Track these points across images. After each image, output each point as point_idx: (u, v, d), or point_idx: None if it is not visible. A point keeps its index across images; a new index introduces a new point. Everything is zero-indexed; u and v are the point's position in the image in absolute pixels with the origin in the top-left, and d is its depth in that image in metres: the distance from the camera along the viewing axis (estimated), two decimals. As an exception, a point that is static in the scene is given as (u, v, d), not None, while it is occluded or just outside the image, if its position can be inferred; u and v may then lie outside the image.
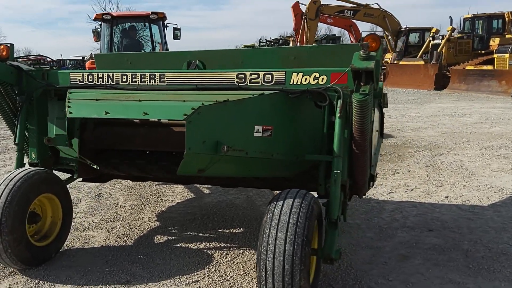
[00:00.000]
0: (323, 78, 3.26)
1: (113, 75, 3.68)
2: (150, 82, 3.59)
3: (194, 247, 3.97)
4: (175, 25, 10.38)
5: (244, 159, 3.15)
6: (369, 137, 3.14)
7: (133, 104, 3.13)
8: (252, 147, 3.14)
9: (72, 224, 4.47)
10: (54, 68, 4.59)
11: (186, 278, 3.42)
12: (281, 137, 3.33)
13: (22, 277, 3.43)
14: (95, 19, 9.75)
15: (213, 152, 2.89)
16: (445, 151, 7.94)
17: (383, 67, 27.47)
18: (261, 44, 44.32)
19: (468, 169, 6.64)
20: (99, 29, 9.91)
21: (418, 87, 21.16)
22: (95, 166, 3.78)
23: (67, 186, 3.95)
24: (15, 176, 3.37)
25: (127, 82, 3.64)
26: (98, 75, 3.71)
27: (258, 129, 3.15)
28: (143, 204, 5.18)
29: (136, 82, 3.62)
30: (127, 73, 3.66)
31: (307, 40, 28.01)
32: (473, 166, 6.79)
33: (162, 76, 3.57)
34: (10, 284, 3.34)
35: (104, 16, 9.49)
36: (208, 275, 3.45)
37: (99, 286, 3.31)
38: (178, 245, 4.03)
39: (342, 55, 4.40)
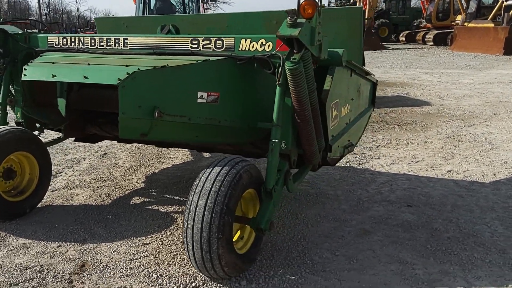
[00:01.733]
0: (269, 45, 3.16)
1: (83, 39, 3.78)
2: (115, 46, 3.66)
3: (163, 210, 4.08)
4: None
5: (190, 124, 3.15)
6: (308, 106, 3.00)
7: (78, 67, 3.19)
8: (196, 113, 3.13)
9: (64, 181, 4.76)
10: (42, 31, 4.78)
11: (139, 240, 3.53)
12: (229, 104, 3.29)
13: (-7, 229, 3.71)
14: None
15: (150, 117, 2.92)
16: (478, 122, 7.44)
17: (450, 29, 25.89)
18: (331, 4, 42.90)
19: (492, 142, 6.19)
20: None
21: (486, 52, 19.74)
22: (59, 132, 3.94)
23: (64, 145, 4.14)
24: (-14, 135, 3.59)
25: (95, 46, 3.72)
26: (71, 39, 3.82)
27: (202, 95, 3.13)
28: (139, 165, 5.36)
29: (103, 46, 3.70)
30: (96, 37, 3.74)
31: (371, 0, 26.84)
32: (498, 139, 6.32)
33: (125, 40, 3.61)
34: (-20, 235, 3.63)
35: None
36: (160, 238, 3.55)
37: (56, 242, 3.51)
38: (150, 207, 4.15)
39: (324, 20, 4.24)
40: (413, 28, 32.58)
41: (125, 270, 3.11)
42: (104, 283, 2.97)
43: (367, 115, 4.57)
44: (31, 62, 3.48)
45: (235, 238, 3.11)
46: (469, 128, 7.02)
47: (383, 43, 28.14)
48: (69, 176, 4.99)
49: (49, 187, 4.58)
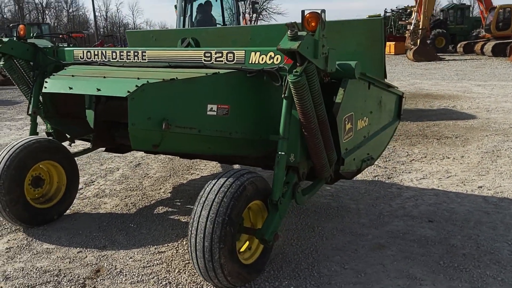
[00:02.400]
0: (277, 58, 3.20)
1: (105, 52, 3.97)
2: (134, 59, 3.82)
3: (184, 220, 4.17)
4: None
5: (200, 136, 3.23)
6: (314, 119, 3.01)
7: (94, 80, 3.35)
8: (205, 125, 3.20)
9: (96, 190, 4.97)
10: (71, 45, 5.04)
11: (155, 248, 3.64)
12: (240, 116, 3.34)
13: (22, 234, 3.94)
14: None
15: (159, 128, 3.01)
16: (523, 136, 7.09)
17: (510, 40, 24.61)
18: (386, 14, 42.24)
19: (534, 157, 5.89)
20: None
21: None
22: (69, 138, 4.14)
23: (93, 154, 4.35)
24: (16, 144, 3.84)
25: (116, 59, 3.90)
26: (94, 52, 4.03)
27: (212, 108, 3.20)
28: (169, 176, 5.51)
29: (123, 59, 3.87)
30: (117, 51, 3.92)
31: (425, 9, 26.20)
32: (542, 154, 6.00)
33: (143, 54, 3.77)
34: (9, 240, 3.86)
35: None
36: (176, 247, 3.63)
37: (77, 248, 3.68)
38: (172, 217, 4.26)
39: (343, 32, 4.24)
40: (472, 38, 31.48)
41: (136, 277, 3.21)
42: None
43: (391, 128, 4.49)
44: (53, 75, 3.70)
45: (242, 249, 3.15)
46: (511, 143, 6.71)
47: (439, 54, 27.38)
48: (101, 185, 5.20)
49: (80, 195, 4.83)
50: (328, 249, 3.53)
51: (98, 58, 4.00)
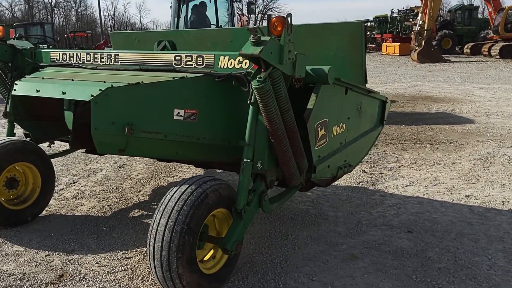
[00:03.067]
0: (246, 63, 3.13)
1: (80, 54, 3.92)
2: (107, 61, 3.76)
3: (158, 224, 4.09)
4: (251, 0, 10.45)
5: (167, 141, 3.16)
6: (280, 125, 2.92)
7: (61, 83, 3.29)
8: (172, 130, 3.13)
9: (76, 191, 4.93)
10: (50, 46, 5.00)
11: (123, 253, 3.58)
12: (208, 121, 3.27)
13: (-6, 235, 3.89)
14: None
15: (124, 133, 2.95)
16: (519, 143, 6.95)
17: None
18: (393, 14, 41.98)
19: (527, 165, 5.76)
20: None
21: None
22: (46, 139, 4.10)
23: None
24: (-11, 146, 3.80)
25: (91, 62, 3.85)
26: (69, 54, 3.98)
27: (178, 112, 3.13)
28: (151, 178, 5.45)
29: (97, 61, 3.81)
30: (91, 53, 3.86)
31: (431, 10, 25.92)
32: (535, 163, 5.87)
33: (116, 56, 3.71)
34: (-20, 241, 3.82)
35: None
36: (143, 253, 3.57)
37: (46, 251, 3.63)
38: (146, 220, 4.20)
39: (323, 35, 4.15)
40: (480, 40, 31.16)
41: (99, 283, 3.16)
42: (75, 295, 3.03)
43: (373, 134, 4.39)
44: (25, 77, 3.65)
45: (206, 257, 3.08)
46: (507, 150, 6.58)
47: (445, 56, 27.12)
48: (82, 186, 5.16)
49: (59, 196, 4.79)
50: (298, 259, 3.45)
51: (73, 61, 3.95)
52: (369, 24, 49.88)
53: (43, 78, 3.52)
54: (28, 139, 4.16)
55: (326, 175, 3.66)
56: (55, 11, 63.67)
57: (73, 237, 3.87)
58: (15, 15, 59.05)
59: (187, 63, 3.38)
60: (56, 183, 5.09)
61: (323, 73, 3.21)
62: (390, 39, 36.09)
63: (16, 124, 4.14)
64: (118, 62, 3.69)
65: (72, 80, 3.31)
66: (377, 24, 43.31)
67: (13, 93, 3.46)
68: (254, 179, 3.21)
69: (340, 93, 3.61)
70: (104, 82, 3.09)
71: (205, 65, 3.30)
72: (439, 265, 3.33)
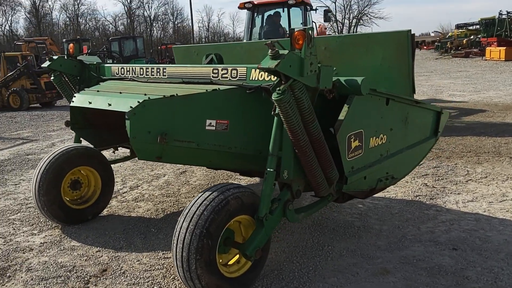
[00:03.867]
0: (274, 75, 3.19)
1: (135, 68, 4.24)
2: (156, 75, 4.04)
3: (203, 228, 4.28)
4: (327, 8, 10.42)
5: (200, 150, 3.33)
6: (303, 136, 2.96)
7: (110, 95, 3.60)
8: (204, 140, 3.30)
9: (137, 194, 5.30)
10: (109, 62, 5.41)
11: (163, 253, 3.80)
12: (239, 132, 3.39)
13: (58, 231, 4.33)
14: (239, 8, 10.42)
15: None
16: None
17: None
18: (502, 16, 39.08)
19: None
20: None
21: None
22: (113, 149, 4.44)
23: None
24: (56, 151, 4.26)
25: (143, 75, 4.15)
26: (126, 68, 4.32)
27: (210, 123, 3.29)
28: (207, 184, 5.69)
29: (148, 75, 4.11)
30: (144, 67, 4.17)
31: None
32: None
33: (164, 70, 3.97)
34: (46, 235, 4.27)
35: (246, 5, 10.11)
36: (182, 254, 3.75)
37: (98, 247, 3.96)
38: (194, 224, 4.40)
39: (369, 45, 4.10)
40: None
41: (135, 279, 3.40)
42: (112, 287, 3.30)
43: (425, 146, 4.23)
44: (84, 90, 4.03)
45: (231, 262, 3.19)
46: None
47: None
48: (143, 190, 5.52)
49: (122, 198, 5.17)
50: (328, 270, 3.43)
51: (129, 74, 4.28)
52: (474, 27, 47.03)
53: (98, 91, 3.86)
54: (88, 146, 4.56)
55: (362, 187, 3.60)
56: (154, 24, 67.82)
57: (124, 236, 4.18)
58: (118, 28, 63.79)
59: (223, 75, 3.53)
60: (122, 186, 5.53)
61: (356, 84, 3.19)
62: (495, 43, 33.69)
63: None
64: (165, 76, 3.95)
65: (120, 92, 3.60)
66: (483, 27, 40.65)
67: (71, 104, 3.85)
68: (281, 188, 3.27)
69: (380, 104, 3.55)
70: (145, 94, 3.34)
71: (239, 77, 3.43)
72: (475, 285, 3.13)
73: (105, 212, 4.75)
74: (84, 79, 4.61)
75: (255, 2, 10.00)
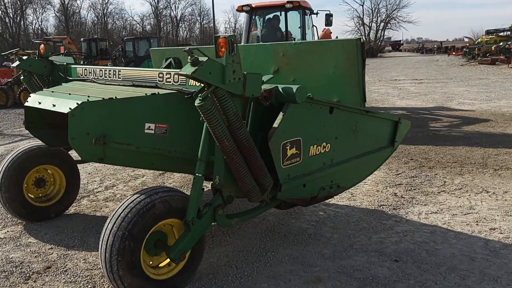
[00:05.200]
0: (208, 81, 3.24)
1: (96, 70, 4.36)
2: (112, 77, 4.14)
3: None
4: (328, 12, 10.44)
5: (140, 153, 3.42)
6: (229, 142, 3.00)
7: (58, 96, 3.69)
8: (143, 143, 3.38)
9: (110, 194, 5.42)
10: (80, 62, 5.54)
11: (111, 252, 3.88)
12: (179, 136, 3.46)
13: (20, 227, 4.49)
14: (238, 10, 10.47)
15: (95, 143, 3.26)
16: None
17: None
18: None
19: None
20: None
21: None
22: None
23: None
24: (19, 149, 4.41)
25: (102, 77, 4.26)
26: (88, 70, 4.44)
27: (149, 126, 3.38)
28: (182, 186, 5.76)
29: (105, 77, 4.21)
30: (103, 69, 4.28)
31: None
32: None
33: (119, 72, 4.07)
34: (7, 231, 4.43)
35: (243, 8, 10.17)
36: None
37: (52, 245, 4.09)
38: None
39: (321, 53, 4.12)
40: None
41: (74, 277, 3.50)
42: (49, 284, 3.40)
43: (378, 155, 4.20)
44: (41, 90, 4.15)
45: (162, 264, 3.25)
46: None
47: None
48: (118, 190, 5.65)
49: (94, 197, 5.30)
50: (263, 276, 3.47)
51: (90, 76, 4.40)
52: (504, 33, 45.93)
53: (52, 92, 3.98)
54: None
55: (301, 195, 3.62)
56: (180, 25, 68.54)
57: (80, 234, 4.30)
58: (145, 28, 64.71)
59: (167, 80, 3.61)
60: (98, 185, 5.66)
61: (291, 92, 3.22)
62: (523, 50, 32.83)
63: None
64: (120, 78, 4.05)
65: (69, 94, 3.71)
66: (515, 33, 39.72)
67: (25, 104, 3.97)
68: (214, 193, 3.33)
69: (322, 112, 3.56)
70: (88, 96, 3.43)
71: (180, 82, 3.50)
72: (403, 300, 3.12)
73: (72, 210, 4.89)
74: (54, 80, 4.75)
75: (253, 5, 10.07)
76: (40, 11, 61.43)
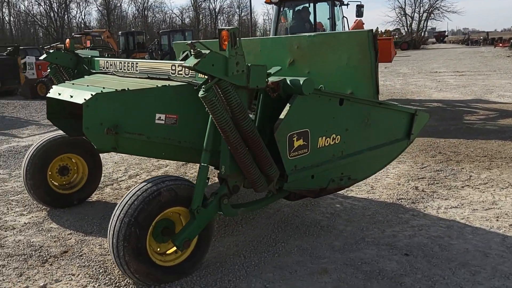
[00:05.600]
0: (218, 73, 3.29)
1: (116, 63, 4.48)
2: (130, 69, 4.25)
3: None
4: (359, 2, 10.27)
5: (151, 142, 3.51)
6: (233, 133, 3.03)
7: (76, 88, 3.82)
8: (154, 133, 3.47)
9: (132, 183, 5.57)
10: (105, 55, 5.67)
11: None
12: (188, 126, 3.53)
13: (44, 213, 4.68)
14: (266, 3, 10.42)
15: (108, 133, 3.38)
16: None
17: None
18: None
19: None
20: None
21: None
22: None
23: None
24: (44, 139, 4.59)
25: (122, 70, 4.38)
26: (109, 62, 4.57)
27: (160, 117, 3.46)
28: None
29: (124, 69, 4.33)
30: (123, 62, 4.39)
31: None
32: None
33: (136, 65, 4.18)
34: (32, 216, 4.63)
35: (272, 0, 10.14)
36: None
37: (71, 230, 4.26)
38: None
39: (334, 45, 4.09)
40: None
41: (87, 262, 3.64)
42: (64, 268, 3.55)
43: (392, 148, 4.14)
44: (64, 83, 4.30)
45: (170, 251, 3.34)
46: None
47: None
48: (141, 179, 5.78)
49: (117, 186, 5.46)
50: (269, 266, 3.49)
51: (112, 68, 4.52)
52: None
53: (73, 84, 4.12)
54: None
55: (310, 186, 3.62)
56: (219, 17, 68.83)
57: (99, 221, 4.44)
58: (184, 21, 65.34)
59: (179, 72, 3.68)
60: (122, 174, 5.84)
61: (298, 84, 3.23)
62: None
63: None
64: (137, 71, 4.15)
65: (87, 85, 3.84)
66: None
67: (48, 95, 4.13)
68: (221, 183, 3.38)
69: (331, 104, 3.54)
70: (103, 88, 3.54)
71: (190, 74, 3.56)
72: (407, 294, 3.09)
73: (94, 197, 5.06)
74: (80, 72, 4.91)
75: None
76: (83, 5, 63.21)
